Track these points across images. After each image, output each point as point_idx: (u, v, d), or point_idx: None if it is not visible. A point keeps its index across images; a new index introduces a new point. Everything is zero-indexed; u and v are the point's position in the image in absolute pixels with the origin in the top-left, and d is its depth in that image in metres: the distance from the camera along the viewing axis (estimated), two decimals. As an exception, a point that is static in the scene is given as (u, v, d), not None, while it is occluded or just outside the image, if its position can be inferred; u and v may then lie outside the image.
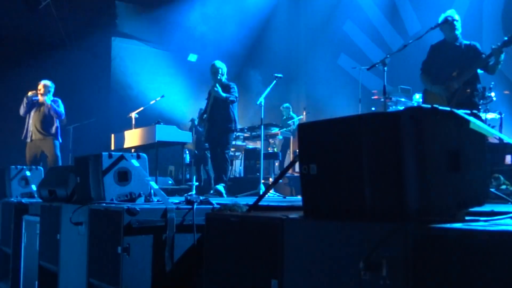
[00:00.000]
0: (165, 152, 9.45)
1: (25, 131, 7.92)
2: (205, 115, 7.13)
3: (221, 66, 7.01)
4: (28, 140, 7.87)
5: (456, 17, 5.37)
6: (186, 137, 8.19)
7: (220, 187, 6.42)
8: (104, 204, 3.25)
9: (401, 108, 7.57)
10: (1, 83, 11.07)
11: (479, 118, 1.75)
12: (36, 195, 4.82)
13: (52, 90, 8.04)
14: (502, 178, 3.27)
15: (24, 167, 5.31)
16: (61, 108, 8.03)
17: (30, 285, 4.36)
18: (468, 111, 1.66)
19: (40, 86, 7.93)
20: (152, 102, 9.10)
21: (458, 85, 5.21)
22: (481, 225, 1.55)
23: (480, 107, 5.46)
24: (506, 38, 5.00)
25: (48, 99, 7.87)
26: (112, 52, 11.96)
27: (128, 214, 2.87)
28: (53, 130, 7.93)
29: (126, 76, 12.02)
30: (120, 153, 3.55)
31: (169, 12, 11.94)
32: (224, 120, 6.84)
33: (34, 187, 5.09)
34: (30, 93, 7.89)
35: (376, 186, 1.63)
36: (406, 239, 1.48)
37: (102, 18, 12.14)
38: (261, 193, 6.26)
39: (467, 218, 1.71)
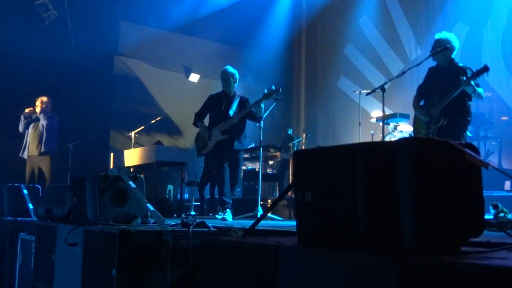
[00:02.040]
0: (164, 171, 9.43)
1: (22, 148, 7.99)
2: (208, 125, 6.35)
3: (234, 72, 6.42)
4: (25, 156, 7.94)
5: (452, 41, 5.35)
6: (186, 157, 8.20)
7: (229, 215, 5.88)
8: (100, 226, 3.24)
9: (400, 133, 7.63)
10: (2, 99, 11.12)
11: (474, 148, 1.74)
12: (32, 214, 4.80)
13: (50, 106, 8.10)
14: (500, 205, 3.25)
15: (22, 185, 5.30)
16: (54, 122, 8.13)
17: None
18: (464, 142, 1.66)
19: (38, 103, 8.04)
20: (152, 122, 9.12)
21: (436, 111, 5.20)
22: (476, 257, 1.53)
23: (463, 135, 5.23)
24: (473, 71, 4.97)
25: (44, 115, 7.93)
26: (114, 71, 12.01)
27: (123, 236, 2.86)
28: (50, 146, 7.99)
29: (127, 95, 12.06)
30: (117, 174, 3.54)
31: (171, 32, 12.04)
32: (244, 136, 6.28)
33: (30, 206, 5.07)
34: (27, 110, 7.99)
35: (370, 217, 1.62)
36: (399, 271, 1.47)
37: (105, 36, 12.23)
38: (259, 215, 6.23)
39: (462, 249, 1.70)
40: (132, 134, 8.67)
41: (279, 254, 1.95)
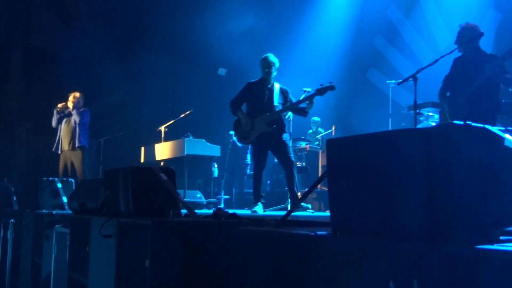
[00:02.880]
0: (193, 165, 9.49)
1: (56, 143, 8.12)
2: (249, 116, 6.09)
3: (276, 60, 6.12)
4: (59, 151, 8.08)
5: (476, 29, 5.25)
6: (215, 150, 8.22)
7: (259, 208, 5.77)
8: (133, 218, 3.27)
9: (432, 123, 7.48)
10: (36, 96, 11.35)
11: (513, 134, 1.70)
12: (66, 207, 4.89)
13: (82, 101, 8.20)
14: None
15: (56, 179, 5.41)
16: (86, 118, 8.21)
17: (59, 296, 4.41)
18: (503, 128, 1.61)
19: (70, 98, 8.14)
20: (182, 116, 9.16)
21: (462, 101, 5.09)
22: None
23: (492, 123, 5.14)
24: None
25: (76, 111, 8.05)
26: (143, 67, 12.11)
27: (155, 228, 2.88)
28: (82, 142, 8.08)
29: (156, 89, 12.16)
30: (149, 167, 3.57)
31: (200, 27, 12.06)
32: (285, 127, 6.13)
33: (65, 199, 5.16)
34: (59, 105, 8.09)
35: (407, 204, 1.59)
36: (438, 259, 1.44)
37: (135, 33, 12.34)
38: (289, 207, 6.21)
39: (502, 238, 1.65)
40: (162, 128, 8.73)
41: (313, 243, 1.93)
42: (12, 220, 5.72)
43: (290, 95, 6.17)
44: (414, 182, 1.59)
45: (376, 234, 1.70)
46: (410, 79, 5.38)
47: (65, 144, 8.07)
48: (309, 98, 5.90)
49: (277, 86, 6.13)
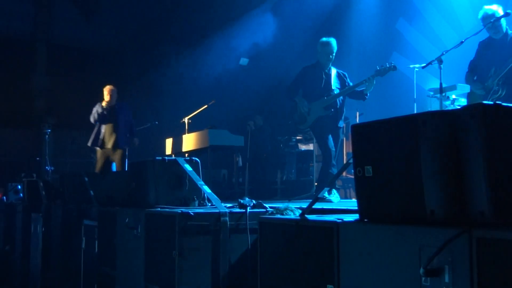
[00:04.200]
0: (218, 155, 9.51)
1: (93, 138, 7.96)
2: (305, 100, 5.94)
3: (335, 45, 5.93)
4: (99, 148, 7.96)
5: (500, 11, 5.15)
6: (238, 140, 8.22)
7: (335, 196, 5.43)
8: (159, 209, 3.29)
9: (459, 107, 7.34)
10: (60, 91, 11.49)
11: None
12: (94, 200, 4.94)
13: (115, 95, 8.07)
14: None
15: (82, 173, 5.46)
16: (128, 116, 8.14)
17: (89, 288, 4.47)
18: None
19: (106, 92, 7.96)
20: (204, 107, 9.16)
21: (493, 82, 4.98)
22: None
23: None
24: None
25: (117, 109, 7.97)
26: (165, 60, 12.15)
27: (182, 218, 2.89)
28: (124, 140, 8.00)
29: (179, 81, 12.19)
30: (174, 158, 3.58)
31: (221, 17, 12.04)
32: (343, 113, 6.02)
33: (92, 192, 5.21)
34: (104, 104, 7.90)
35: (436, 189, 1.56)
36: (470, 243, 1.41)
37: (157, 26, 12.37)
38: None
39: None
40: (186, 119, 8.76)
41: (341, 230, 1.91)
42: (41, 214, 5.81)
43: (348, 79, 6.04)
44: (443, 166, 1.55)
45: (404, 220, 1.67)
46: (435, 62, 5.29)
47: (107, 142, 7.92)
48: (369, 79, 5.72)
49: (334, 71, 6.02)
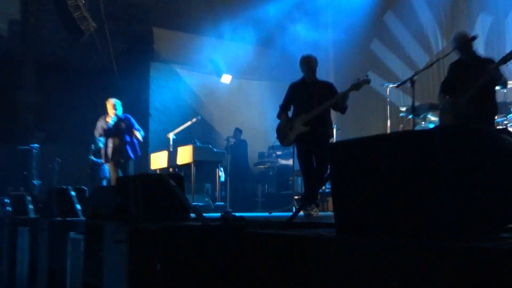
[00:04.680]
0: (201, 170, 9.48)
1: (104, 154, 7.78)
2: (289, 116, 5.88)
3: (315, 59, 5.85)
4: (109, 161, 7.76)
5: (468, 35, 5.31)
6: (220, 156, 8.21)
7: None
8: (144, 223, 3.26)
9: (431, 125, 7.45)
10: (48, 107, 11.38)
11: (510, 134, 1.67)
12: (80, 214, 4.88)
13: (115, 107, 7.80)
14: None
15: (69, 187, 5.38)
16: (137, 125, 7.86)
17: (75, 300, 4.39)
18: (502, 128, 1.59)
19: (110, 105, 7.75)
20: (188, 124, 9.13)
21: (463, 102, 5.08)
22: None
23: (492, 123, 5.09)
24: (501, 58, 4.83)
25: (122, 116, 7.76)
26: (151, 76, 12.14)
27: (165, 232, 2.87)
28: (130, 152, 7.74)
29: (163, 98, 12.16)
30: (158, 173, 3.56)
31: (204, 36, 12.07)
32: (329, 126, 5.81)
33: (78, 206, 5.14)
34: (108, 118, 7.67)
35: (409, 204, 1.58)
36: (440, 257, 1.42)
37: (141, 44, 12.38)
38: (294, 209, 6.18)
39: (503, 235, 1.64)
40: (170, 135, 8.72)
41: (318, 244, 1.92)
42: (28, 228, 5.71)
43: (335, 89, 5.83)
44: (416, 183, 1.57)
45: (380, 234, 1.68)
46: (408, 82, 5.37)
47: (115, 154, 7.69)
48: (343, 94, 5.62)
49: (318, 84, 5.84)
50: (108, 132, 7.70)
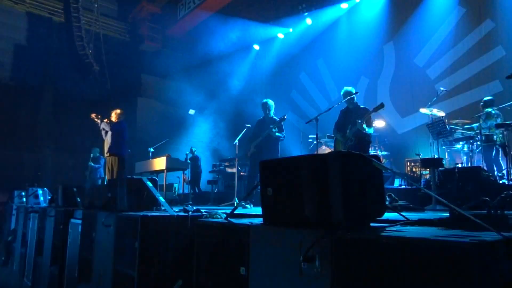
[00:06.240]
0: (171, 174, 9.25)
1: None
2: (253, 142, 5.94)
3: (272, 104, 5.98)
4: (104, 156, 7.19)
5: (353, 90, 5.48)
6: (185, 165, 8.05)
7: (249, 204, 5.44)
8: (126, 212, 3.12)
9: (328, 149, 7.66)
10: (59, 125, 10.78)
11: (378, 158, 1.74)
12: (79, 205, 4.61)
13: (115, 116, 7.17)
14: (393, 195, 3.28)
15: (72, 185, 5.06)
16: (118, 129, 7.07)
17: (72, 269, 4.11)
18: (373, 153, 1.66)
19: (113, 113, 7.21)
20: (162, 143, 8.96)
21: (349, 135, 5.31)
22: (381, 230, 1.52)
23: (366, 151, 5.30)
24: (372, 108, 5.04)
25: (104, 124, 7.09)
26: (137, 108, 11.83)
27: (143, 220, 2.76)
28: (114, 149, 6.99)
29: (146, 123, 11.84)
30: (139, 177, 3.44)
31: (179, 82, 11.93)
32: (271, 153, 5.69)
33: (78, 199, 4.85)
34: (106, 121, 7.09)
35: (312, 204, 1.60)
36: (331, 241, 1.45)
37: (131, 85, 12.08)
38: (235, 204, 6.13)
39: (372, 225, 1.69)
40: (150, 149, 8.48)
41: (251, 230, 1.90)
42: (38, 214, 5.32)
43: (283, 128, 5.86)
44: (316, 190, 1.60)
45: (292, 224, 1.69)
46: (314, 120, 5.51)
47: (106, 151, 7.07)
48: (270, 129, 5.72)
49: (270, 118, 5.96)
50: (104, 133, 7.11)
